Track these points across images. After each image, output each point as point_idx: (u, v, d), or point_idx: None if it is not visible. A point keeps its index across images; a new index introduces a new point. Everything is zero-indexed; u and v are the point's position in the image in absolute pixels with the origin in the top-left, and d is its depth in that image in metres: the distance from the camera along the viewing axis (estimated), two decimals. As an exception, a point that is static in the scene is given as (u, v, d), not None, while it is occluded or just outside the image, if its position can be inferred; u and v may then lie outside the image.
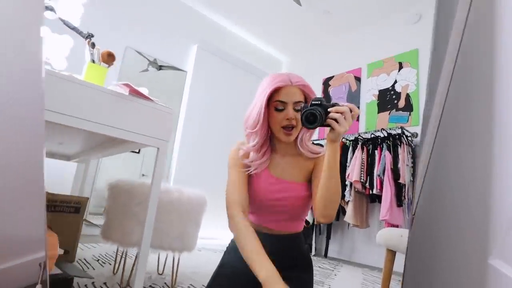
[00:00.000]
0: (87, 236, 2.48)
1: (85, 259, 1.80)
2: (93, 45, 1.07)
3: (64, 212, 1.64)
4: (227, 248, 1.16)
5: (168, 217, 1.42)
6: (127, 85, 0.98)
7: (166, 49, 3.79)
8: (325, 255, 3.46)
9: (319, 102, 0.85)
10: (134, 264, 1.49)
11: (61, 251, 1.12)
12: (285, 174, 1.04)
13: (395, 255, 1.46)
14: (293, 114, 0.93)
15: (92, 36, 1.20)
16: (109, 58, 1.09)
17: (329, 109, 0.82)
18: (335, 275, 2.38)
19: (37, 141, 0.87)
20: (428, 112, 0.93)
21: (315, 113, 0.81)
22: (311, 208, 1.03)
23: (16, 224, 0.82)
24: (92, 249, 2.14)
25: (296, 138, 1.02)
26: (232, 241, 1.14)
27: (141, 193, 1.40)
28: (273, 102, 0.95)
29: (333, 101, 1.01)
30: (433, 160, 0.83)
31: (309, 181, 1.04)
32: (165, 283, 1.58)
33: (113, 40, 3.22)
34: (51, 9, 1.15)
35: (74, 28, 1.16)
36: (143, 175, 3.40)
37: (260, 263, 0.83)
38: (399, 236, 1.40)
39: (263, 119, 0.95)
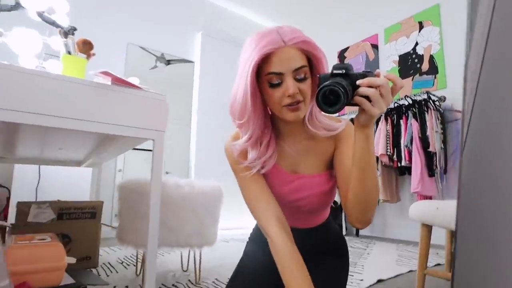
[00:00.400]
0: (112, 239, 2.49)
1: (109, 263, 1.79)
2: (65, 34, 0.99)
3: (81, 219, 1.62)
4: (249, 238, 1.06)
5: (182, 213, 1.35)
6: (106, 73, 0.89)
7: (171, 41, 3.70)
8: (357, 234, 3.33)
9: (344, 71, 0.60)
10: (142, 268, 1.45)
11: (72, 260, 1.07)
12: (300, 166, 0.82)
13: (431, 229, 1.32)
14: (295, 87, 0.67)
15: (75, 29, 1.11)
16: (85, 46, 1.00)
17: (358, 82, 0.58)
18: (368, 254, 2.26)
19: None
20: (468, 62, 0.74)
21: (338, 91, 0.55)
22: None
23: None
24: (118, 252, 2.14)
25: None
26: (254, 230, 1.03)
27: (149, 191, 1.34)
28: (265, 75, 0.69)
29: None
30: (477, 115, 0.66)
31: (331, 166, 0.82)
32: (189, 280, 1.54)
33: (113, 38, 3.16)
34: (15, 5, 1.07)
35: (53, 23, 1.08)
36: (167, 172, 3.39)
37: None
38: (434, 209, 1.26)
39: (252, 103, 0.70)
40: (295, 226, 0.85)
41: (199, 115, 3.62)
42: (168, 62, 4.56)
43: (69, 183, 2.07)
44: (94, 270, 1.61)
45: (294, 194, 0.81)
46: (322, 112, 0.70)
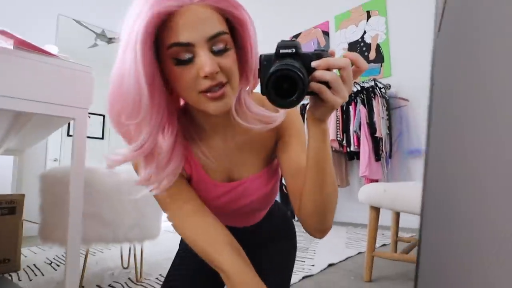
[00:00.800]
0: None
1: (34, 265, 1.56)
2: None
3: (-4, 215, 1.38)
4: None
5: (119, 204, 1.20)
6: (5, 33, 0.71)
7: (113, 16, 3.36)
8: (308, 219, 3.39)
9: (293, 50, 0.45)
10: (84, 262, 1.28)
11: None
12: (235, 171, 0.66)
13: (379, 212, 1.33)
14: (214, 64, 0.47)
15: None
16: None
17: (313, 64, 0.44)
18: (319, 238, 2.28)
19: None
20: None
21: (294, 76, 0.41)
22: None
23: None
24: (47, 252, 1.90)
25: None
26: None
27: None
28: (166, 49, 0.48)
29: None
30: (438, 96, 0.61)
31: (272, 158, 0.69)
32: (129, 278, 1.39)
33: (39, 7, 2.76)
34: None
35: None
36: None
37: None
38: (382, 192, 1.26)
39: (150, 91, 0.48)
40: (233, 226, 0.74)
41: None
42: (110, 40, 4.15)
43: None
44: (14, 275, 1.40)
45: (232, 204, 0.66)
46: (245, 85, 0.57)
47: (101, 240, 1.19)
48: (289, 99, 0.42)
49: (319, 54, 0.45)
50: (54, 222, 1.16)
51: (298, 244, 0.90)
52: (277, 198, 0.88)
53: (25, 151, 1.73)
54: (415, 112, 2.83)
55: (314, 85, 0.45)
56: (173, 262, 0.81)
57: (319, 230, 0.61)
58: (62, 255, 1.79)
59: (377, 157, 2.74)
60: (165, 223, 1.51)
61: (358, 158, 2.88)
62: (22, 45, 0.72)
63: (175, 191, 0.59)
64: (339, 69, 0.45)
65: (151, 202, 1.32)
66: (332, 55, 0.47)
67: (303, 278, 1.35)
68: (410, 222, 2.34)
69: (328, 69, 0.45)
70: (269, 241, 0.84)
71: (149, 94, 0.48)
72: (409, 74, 2.93)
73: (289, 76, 0.41)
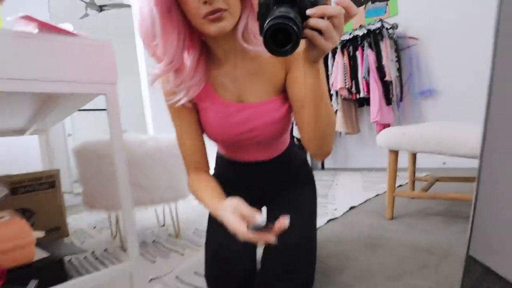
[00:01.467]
0: (76, 206, 2.37)
1: (81, 230, 1.70)
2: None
3: (39, 190, 1.48)
4: (215, 163, 1.01)
5: (151, 170, 1.28)
6: (29, 18, 0.72)
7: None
8: (322, 167, 3.50)
9: None
10: (116, 231, 1.39)
11: (40, 234, 0.98)
12: (246, 93, 0.74)
13: (398, 154, 1.38)
14: None
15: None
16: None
17: (308, 12, 0.48)
18: (336, 184, 2.39)
19: None
20: None
21: (289, 29, 0.44)
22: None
23: None
24: (87, 217, 2.05)
25: (236, 28, 0.65)
26: (213, 175, 0.95)
27: (111, 152, 1.22)
28: None
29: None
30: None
31: (284, 90, 0.76)
32: (169, 234, 1.52)
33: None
34: None
35: None
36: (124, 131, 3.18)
37: (214, 212, 0.67)
38: (401, 135, 1.30)
39: (162, 16, 0.62)
40: (250, 160, 0.84)
41: (148, 65, 3.33)
42: (101, 9, 4.00)
43: (15, 155, 1.85)
44: (66, 240, 1.53)
45: (241, 125, 0.74)
46: (251, 12, 0.65)
47: (140, 203, 1.28)
48: (283, 49, 0.46)
49: (315, 1, 0.48)
50: (96, 190, 1.25)
51: (317, 191, 0.97)
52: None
53: (49, 129, 1.79)
54: (425, 51, 2.76)
55: (307, 32, 0.48)
56: (208, 217, 0.89)
57: (319, 154, 0.70)
58: (103, 220, 1.93)
59: (388, 101, 2.74)
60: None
61: (368, 104, 2.89)
62: (45, 27, 0.73)
63: (184, 112, 0.78)
64: (332, 17, 0.47)
65: (179, 164, 1.39)
66: (328, 2, 0.49)
67: (329, 221, 1.45)
68: (423, 163, 2.40)
69: (322, 17, 0.48)
70: (291, 182, 0.91)
71: (160, 17, 0.62)
72: (417, 10, 2.81)
73: (283, 28, 0.45)
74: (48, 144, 1.90)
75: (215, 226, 0.82)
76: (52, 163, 1.86)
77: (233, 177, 0.91)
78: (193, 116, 0.78)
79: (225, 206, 0.62)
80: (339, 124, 2.99)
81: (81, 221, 1.95)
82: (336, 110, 3.05)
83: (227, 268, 0.77)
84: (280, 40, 0.45)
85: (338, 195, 1.98)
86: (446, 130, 1.20)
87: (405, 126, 1.38)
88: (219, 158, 0.97)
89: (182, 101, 0.73)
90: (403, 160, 1.69)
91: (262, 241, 0.55)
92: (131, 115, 3.55)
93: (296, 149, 0.96)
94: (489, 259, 0.72)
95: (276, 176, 0.91)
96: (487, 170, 0.49)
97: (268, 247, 0.78)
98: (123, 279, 0.94)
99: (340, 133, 3.18)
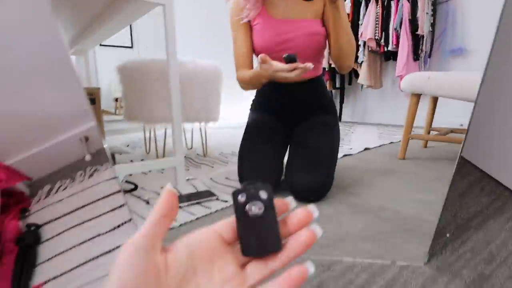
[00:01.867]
0: (111, 131, 2.55)
1: (116, 147, 1.88)
2: None
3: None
4: (250, 109, 1.20)
5: (188, 90, 1.39)
6: None
7: None
8: (339, 119, 3.57)
9: None
10: (164, 141, 1.55)
11: (88, 157, 1.13)
12: (289, 12, 1.00)
13: (419, 98, 1.45)
14: None
15: None
16: None
17: None
18: (352, 133, 2.48)
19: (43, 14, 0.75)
20: None
21: None
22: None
23: (51, 103, 0.80)
24: (119, 139, 2.23)
25: None
26: (253, 101, 1.19)
27: (154, 69, 1.33)
28: None
29: None
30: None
31: (322, 17, 1.02)
32: (197, 154, 1.67)
33: None
34: None
35: None
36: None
37: (259, 74, 0.90)
38: (426, 79, 1.36)
39: None
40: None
41: None
42: None
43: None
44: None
45: (283, 35, 0.98)
46: None
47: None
48: None
49: None
50: (138, 105, 1.38)
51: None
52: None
53: (88, 52, 1.89)
54: (463, 6, 2.65)
55: None
56: (242, 138, 1.11)
57: (340, 67, 1.01)
58: (133, 141, 2.11)
59: (416, 57, 2.71)
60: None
61: (395, 59, 2.85)
62: None
63: (243, 28, 1.03)
64: None
65: (213, 89, 1.50)
66: None
67: (344, 156, 1.58)
68: (440, 123, 2.44)
69: None
70: (320, 110, 1.09)
71: None
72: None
73: None
74: (86, 65, 2.02)
75: (249, 145, 1.06)
76: (89, 83, 1.99)
77: (272, 98, 1.08)
78: (248, 31, 1.03)
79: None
80: (363, 76, 3.00)
81: (116, 141, 2.13)
82: (362, 62, 3.04)
83: (259, 174, 0.95)
84: None
85: (354, 140, 2.08)
86: (471, 76, 1.25)
87: (431, 72, 1.43)
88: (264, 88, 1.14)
89: (245, 20, 1.00)
90: (420, 119, 1.74)
91: (298, 69, 0.78)
92: (148, 52, 3.59)
93: (325, 86, 1.16)
94: (482, 163, 0.84)
95: (308, 99, 1.08)
96: (488, 82, 0.57)
97: (293, 154, 0.98)
98: (168, 171, 1.10)
99: (362, 86, 3.19)
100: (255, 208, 0.32)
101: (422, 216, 0.81)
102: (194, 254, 0.32)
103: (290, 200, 0.34)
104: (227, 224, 0.34)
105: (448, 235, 0.67)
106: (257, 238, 0.32)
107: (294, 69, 0.76)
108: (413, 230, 0.74)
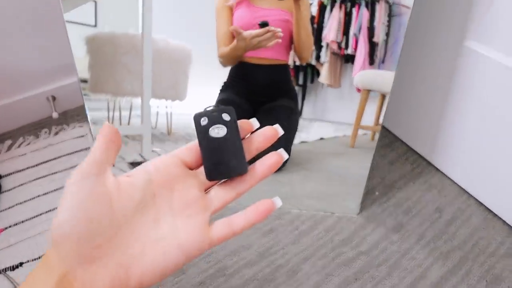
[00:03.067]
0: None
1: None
2: None
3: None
4: (220, 90, 1.30)
5: (158, 67, 1.43)
6: None
7: None
8: (300, 115, 3.75)
9: None
10: (130, 115, 1.57)
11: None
12: (268, 2, 1.18)
13: (369, 94, 1.63)
14: None
15: None
16: None
17: None
18: (311, 127, 2.65)
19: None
20: None
21: None
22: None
23: (28, 56, 0.80)
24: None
25: None
26: (224, 83, 1.30)
27: (125, 42, 1.36)
28: None
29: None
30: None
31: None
32: (161, 132, 1.72)
33: None
34: None
35: None
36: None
37: (236, 46, 1.11)
38: (375, 76, 1.54)
39: None
40: (259, 57, 1.20)
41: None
42: None
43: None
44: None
45: (260, 18, 1.14)
46: None
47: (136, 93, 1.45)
48: None
49: None
50: (105, 76, 1.40)
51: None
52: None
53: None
54: (413, 21, 2.94)
55: None
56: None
57: (301, 57, 1.26)
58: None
59: (371, 61, 2.95)
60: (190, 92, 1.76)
61: (353, 62, 3.08)
62: None
63: (226, 12, 1.17)
64: None
65: (183, 70, 1.56)
66: None
67: (301, 142, 1.71)
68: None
69: None
70: (282, 96, 1.24)
71: None
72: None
73: None
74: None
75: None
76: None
77: (242, 79, 1.21)
78: (230, 16, 1.17)
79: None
80: (324, 75, 3.20)
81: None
82: (324, 62, 3.24)
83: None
84: None
85: (312, 132, 2.24)
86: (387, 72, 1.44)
87: (381, 70, 1.62)
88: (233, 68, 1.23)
89: (231, 2, 1.14)
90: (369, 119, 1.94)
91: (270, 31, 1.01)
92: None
93: (289, 74, 1.31)
94: (408, 139, 1.03)
95: (276, 83, 1.24)
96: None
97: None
98: (133, 143, 1.14)
99: (323, 85, 3.39)
100: (218, 131, 0.30)
101: (359, 179, 0.95)
102: (152, 179, 0.29)
103: (253, 121, 0.33)
104: (189, 149, 0.33)
105: (377, 193, 0.81)
106: (221, 161, 0.29)
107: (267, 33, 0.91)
108: (351, 190, 0.87)
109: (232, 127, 0.30)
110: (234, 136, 0.30)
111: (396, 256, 0.66)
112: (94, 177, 0.27)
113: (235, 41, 1.09)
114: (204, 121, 0.30)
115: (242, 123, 0.33)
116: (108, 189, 0.27)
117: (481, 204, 0.97)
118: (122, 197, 0.27)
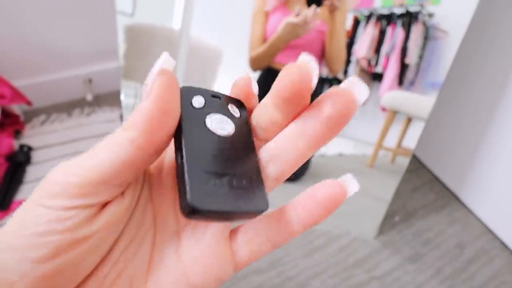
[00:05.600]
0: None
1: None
2: None
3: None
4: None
5: (190, 63, 1.45)
6: None
7: None
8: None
9: None
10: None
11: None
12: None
13: (395, 115, 1.60)
14: None
15: None
16: None
17: None
18: (330, 141, 2.62)
19: None
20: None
21: None
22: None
23: (73, 37, 0.82)
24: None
25: None
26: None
27: (162, 35, 1.39)
28: None
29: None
30: None
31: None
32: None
33: None
34: None
35: None
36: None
37: (273, 39, 1.13)
38: (405, 98, 1.51)
39: None
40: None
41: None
42: None
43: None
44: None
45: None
46: None
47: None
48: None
49: None
50: (138, 65, 1.43)
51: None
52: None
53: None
54: (450, 46, 2.87)
55: None
56: None
57: (331, 69, 1.26)
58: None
59: (400, 82, 2.90)
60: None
61: (380, 81, 3.04)
62: None
63: (262, 17, 1.20)
64: None
65: (210, 67, 1.57)
66: None
67: (319, 156, 1.69)
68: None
69: None
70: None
71: None
72: (459, 6, 2.87)
73: None
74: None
75: None
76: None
77: (267, 85, 1.24)
78: (265, 21, 1.19)
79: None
80: (349, 91, 3.17)
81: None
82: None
83: None
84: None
85: (330, 146, 2.22)
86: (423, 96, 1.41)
87: (411, 93, 1.59)
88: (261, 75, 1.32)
89: (268, 7, 1.16)
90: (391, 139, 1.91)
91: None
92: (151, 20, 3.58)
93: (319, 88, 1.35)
94: (434, 167, 0.99)
95: None
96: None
97: None
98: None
99: (347, 100, 3.35)
100: (222, 124, 0.18)
101: (378, 201, 0.93)
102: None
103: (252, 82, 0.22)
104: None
105: (397, 218, 0.79)
106: (221, 182, 0.16)
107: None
108: (369, 211, 0.85)
109: (243, 127, 0.18)
110: (247, 142, 0.18)
111: (409, 287, 0.63)
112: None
113: (278, 30, 1.07)
114: (198, 101, 0.18)
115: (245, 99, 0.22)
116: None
117: (506, 247, 0.92)
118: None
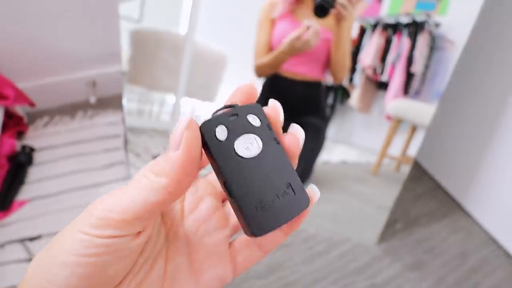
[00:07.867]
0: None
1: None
2: None
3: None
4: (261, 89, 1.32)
5: (195, 67, 1.47)
6: None
7: None
8: (324, 136, 3.71)
9: None
10: (160, 110, 1.61)
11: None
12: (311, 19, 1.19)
13: (399, 123, 1.59)
14: None
15: None
16: None
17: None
18: (335, 148, 2.61)
19: None
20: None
21: (324, 4, 0.95)
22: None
23: (78, 39, 0.85)
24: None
25: None
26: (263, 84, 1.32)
27: (167, 40, 1.41)
28: None
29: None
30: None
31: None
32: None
33: None
34: None
35: None
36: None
37: (277, 52, 1.12)
38: (410, 107, 1.50)
39: None
40: (295, 72, 1.21)
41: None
42: None
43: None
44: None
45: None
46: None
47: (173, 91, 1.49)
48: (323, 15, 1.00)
49: None
50: (144, 70, 1.45)
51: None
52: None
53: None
54: (457, 56, 2.86)
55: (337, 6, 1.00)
56: None
57: (335, 77, 1.26)
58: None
59: (406, 91, 2.89)
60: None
61: (386, 90, 3.03)
62: None
63: (267, 25, 1.19)
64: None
65: (215, 72, 1.58)
66: None
67: (322, 163, 1.68)
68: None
69: None
70: (312, 113, 1.23)
71: None
72: (465, 17, 2.86)
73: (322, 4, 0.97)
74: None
75: None
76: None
77: (273, 92, 1.22)
78: (271, 28, 1.19)
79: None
80: (354, 99, 3.16)
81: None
82: (356, 86, 3.20)
83: None
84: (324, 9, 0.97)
85: (334, 153, 2.21)
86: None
87: (416, 102, 1.58)
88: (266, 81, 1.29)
89: (275, 14, 1.17)
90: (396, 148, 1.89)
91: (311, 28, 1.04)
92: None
93: (325, 93, 1.32)
94: (437, 175, 0.97)
95: (307, 99, 1.24)
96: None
97: None
98: (162, 133, 1.15)
99: (351, 108, 3.35)
100: (249, 145, 0.18)
101: (380, 209, 0.92)
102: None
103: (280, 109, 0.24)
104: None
105: (398, 225, 0.77)
106: (270, 197, 0.18)
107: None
108: (371, 218, 0.84)
109: (267, 135, 0.18)
110: (274, 149, 0.19)
111: (410, 295, 0.63)
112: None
113: (283, 43, 1.08)
114: (222, 132, 0.18)
115: (270, 113, 0.22)
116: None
117: (510, 256, 0.90)
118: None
